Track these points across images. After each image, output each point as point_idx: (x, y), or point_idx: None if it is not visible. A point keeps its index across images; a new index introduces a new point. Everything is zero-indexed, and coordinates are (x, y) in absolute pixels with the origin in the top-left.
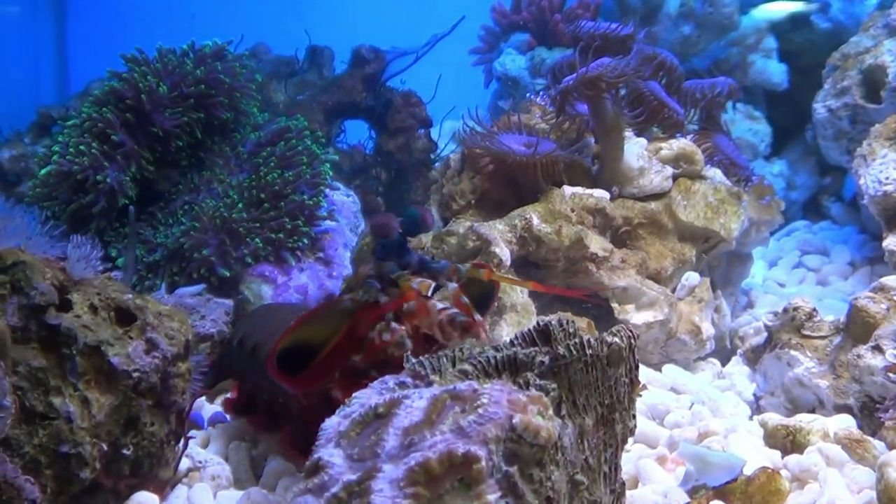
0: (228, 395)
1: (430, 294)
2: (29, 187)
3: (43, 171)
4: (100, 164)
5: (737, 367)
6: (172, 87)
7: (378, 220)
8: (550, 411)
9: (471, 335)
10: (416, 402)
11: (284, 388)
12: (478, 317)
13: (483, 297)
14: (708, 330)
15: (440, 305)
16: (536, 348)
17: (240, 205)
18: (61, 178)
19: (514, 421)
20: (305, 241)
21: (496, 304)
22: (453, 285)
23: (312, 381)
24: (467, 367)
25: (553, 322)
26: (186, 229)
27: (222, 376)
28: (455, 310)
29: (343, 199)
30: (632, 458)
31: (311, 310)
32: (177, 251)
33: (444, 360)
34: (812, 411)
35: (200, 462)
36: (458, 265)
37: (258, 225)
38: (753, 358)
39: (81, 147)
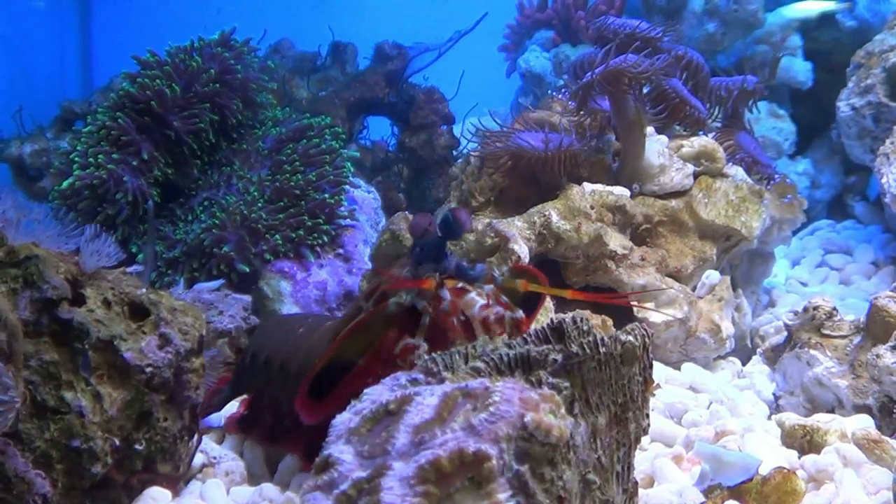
0: (234, 412)
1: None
2: (50, 197)
3: (65, 184)
4: (118, 179)
5: (757, 367)
6: (185, 87)
7: (416, 221)
8: (563, 410)
9: (520, 335)
10: (428, 400)
11: (303, 418)
12: (520, 313)
13: (526, 300)
14: (728, 329)
15: (482, 301)
16: (550, 346)
17: (260, 203)
18: (83, 190)
19: (525, 419)
20: (325, 238)
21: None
22: (490, 287)
23: (336, 406)
24: (480, 364)
25: (567, 320)
26: (207, 227)
27: (237, 393)
28: (501, 308)
29: (364, 195)
30: (648, 457)
31: (352, 325)
32: (196, 247)
33: (457, 356)
34: (831, 411)
35: (215, 458)
36: (494, 272)
37: (278, 222)
38: (773, 357)
39: (100, 157)
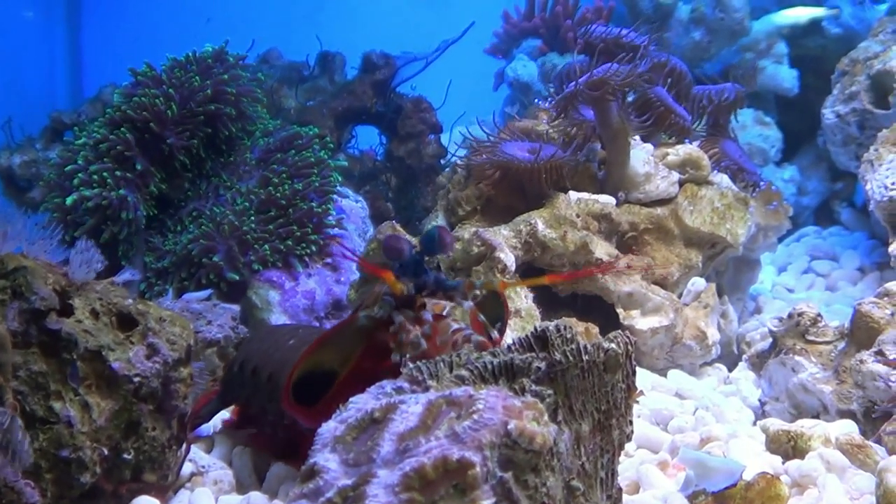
0: (226, 418)
1: (444, 313)
2: (42, 208)
3: (69, 200)
4: (123, 198)
5: (743, 373)
6: (182, 103)
7: (389, 242)
8: (546, 417)
9: None
10: (412, 408)
11: (301, 422)
12: (495, 334)
13: (499, 315)
14: (714, 335)
15: (455, 325)
16: (533, 354)
17: (251, 214)
18: (90, 208)
19: (509, 427)
20: (314, 248)
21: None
22: (469, 304)
23: (329, 413)
24: (464, 372)
25: (550, 327)
26: (195, 237)
27: (226, 403)
28: (470, 330)
29: (352, 205)
30: (634, 463)
31: (325, 333)
32: (185, 257)
33: (442, 365)
34: (816, 417)
35: (203, 467)
36: (474, 281)
37: (267, 234)
38: (758, 363)
39: (105, 175)
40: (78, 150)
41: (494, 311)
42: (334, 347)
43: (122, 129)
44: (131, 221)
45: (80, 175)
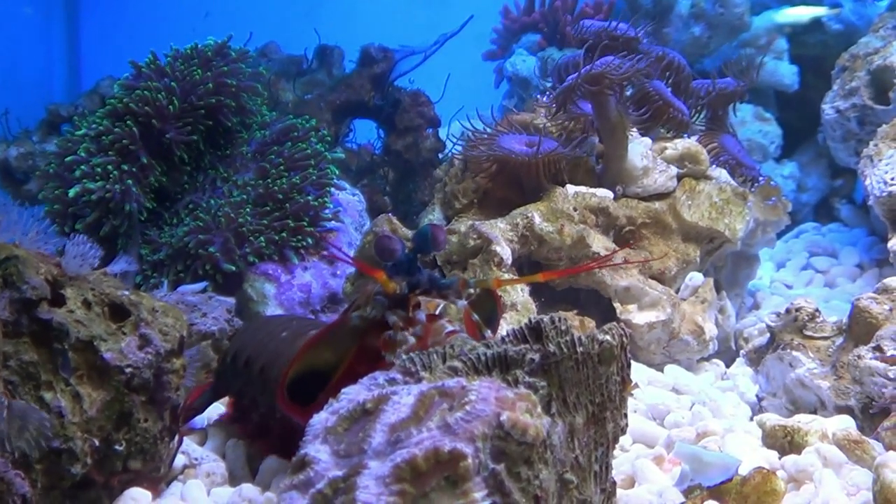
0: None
1: (438, 312)
2: (41, 196)
3: (71, 192)
4: (128, 191)
5: (741, 369)
6: (183, 96)
7: (381, 242)
8: (539, 409)
9: None
10: (404, 399)
11: (296, 421)
12: (488, 333)
13: (493, 314)
14: (711, 330)
15: (449, 327)
16: (527, 345)
17: (248, 207)
18: (92, 202)
19: (501, 418)
20: (310, 240)
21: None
22: (462, 303)
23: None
24: (457, 363)
25: (545, 319)
26: (191, 229)
27: (219, 395)
28: (464, 333)
29: (349, 198)
30: (629, 457)
31: (318, 333)
32: (181, 249)
33: (435, 356)
34: (814, 412)
35: (196, 459)
36: (468, 279)
37: (263, 226)
38: (756, 359)
39: (110, 168)
40: (78, 141)
41: (488, 308)
42: (328, 348)
43: (127, 121)
44: (132, 214)
45: (81, 167)
